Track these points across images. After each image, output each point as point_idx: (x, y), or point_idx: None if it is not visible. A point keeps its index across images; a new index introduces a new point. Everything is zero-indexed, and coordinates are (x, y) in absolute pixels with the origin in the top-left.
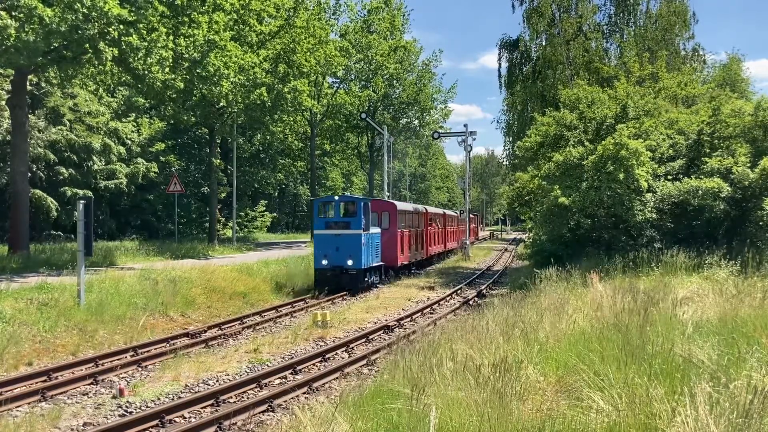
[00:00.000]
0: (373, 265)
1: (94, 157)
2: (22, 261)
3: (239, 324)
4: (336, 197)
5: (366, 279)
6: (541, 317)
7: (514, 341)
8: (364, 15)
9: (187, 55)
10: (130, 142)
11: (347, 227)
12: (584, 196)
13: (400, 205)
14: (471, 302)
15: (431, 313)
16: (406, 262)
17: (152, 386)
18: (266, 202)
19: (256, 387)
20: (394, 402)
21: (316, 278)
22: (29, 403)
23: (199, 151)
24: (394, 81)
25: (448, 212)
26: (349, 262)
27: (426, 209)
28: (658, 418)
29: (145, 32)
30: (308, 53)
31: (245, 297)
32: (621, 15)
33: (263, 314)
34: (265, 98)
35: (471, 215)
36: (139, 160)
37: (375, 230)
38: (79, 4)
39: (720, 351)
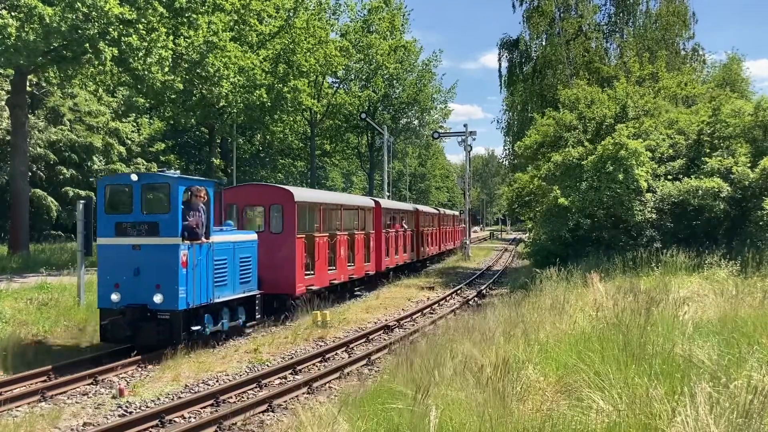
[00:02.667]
0: (226, 299)
1: (95, 157)
2: (22, 261)
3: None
4: (134, 177)
5: (198, 327)
6: (542, 317)
7: (514, 341)
8: (364, 15)
9: (186, 56)
10: (130, 142)
11: (153, 232)
12: (584, 197)
13: (304, 195)
14: (471, 302)
15: (431, 313)
16: (317, 287)
17: (152, 386)
18: None
19: (256, 387)
20: (395, 402)
21: (102, 326)
22: (29, 403)
23: (199, 151)
24: (394, 81)
25: (424, 209)
26: (157, 299)
27: (379, 203)
28: (658, 418)
29: (144, 32)
30: (308, 53)
31: None
32: (621, 15)
33: None
34: (265, 99)
35: (458, 214)
36: (139, 160)
37: (236, 237)
38: (79, 3)
39: (720, 351)
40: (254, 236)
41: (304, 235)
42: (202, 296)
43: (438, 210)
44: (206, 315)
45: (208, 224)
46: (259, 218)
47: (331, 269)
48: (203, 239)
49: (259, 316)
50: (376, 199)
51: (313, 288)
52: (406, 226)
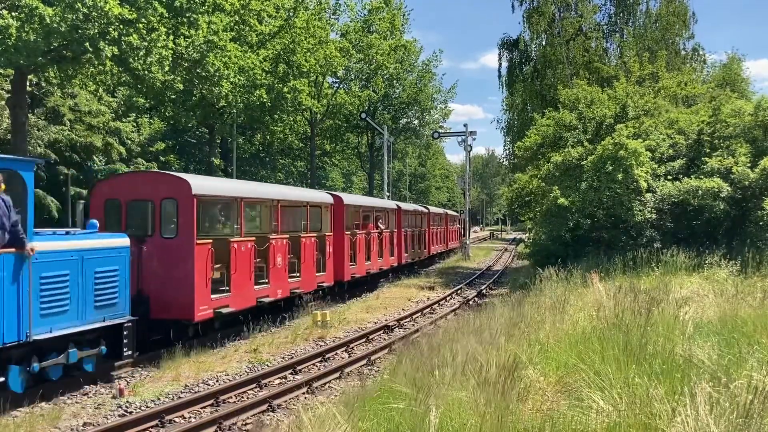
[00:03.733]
0: (65, 332)
1: (95, 157)
2: None
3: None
4: None
5: (2, 378)
6: (542, 317)
7: (515, 341)
8: (365, 15)
9: (186, 56)
10: (130, 142)
11: None
12: (583, 197)
13: (208, 186)
14: (471, 302)
15: (431, 313)
16: (235, 308)
17: (152, 386)
18: None
19: (256, 387)
20: (395, 402)
21: None
22: (29, 403)
23: (199, 151)
24: (394, 81)
25: (409, 207)
26: None
27: (341, 199)
28: (659, 418)
29: (144, 32)
30: (308, 53)
31: None
32: (621, 15)
33: None
34: (265, 99)
35: (457, 214)
36: (140, 160)
37: (88, 243)
38: (79, 4)
39: (720, 351)
40: (124, 241)
41: (210, 240)
42: (11, 332)
43: (426, 208)
44: (34, 356)
45: (25, 224)
46: (148, 217)
47: (261, 284)
48: (14, 247)
49: (129, 352)
50: (338, 194)
51: (226, 310)
52: (383, 227)
